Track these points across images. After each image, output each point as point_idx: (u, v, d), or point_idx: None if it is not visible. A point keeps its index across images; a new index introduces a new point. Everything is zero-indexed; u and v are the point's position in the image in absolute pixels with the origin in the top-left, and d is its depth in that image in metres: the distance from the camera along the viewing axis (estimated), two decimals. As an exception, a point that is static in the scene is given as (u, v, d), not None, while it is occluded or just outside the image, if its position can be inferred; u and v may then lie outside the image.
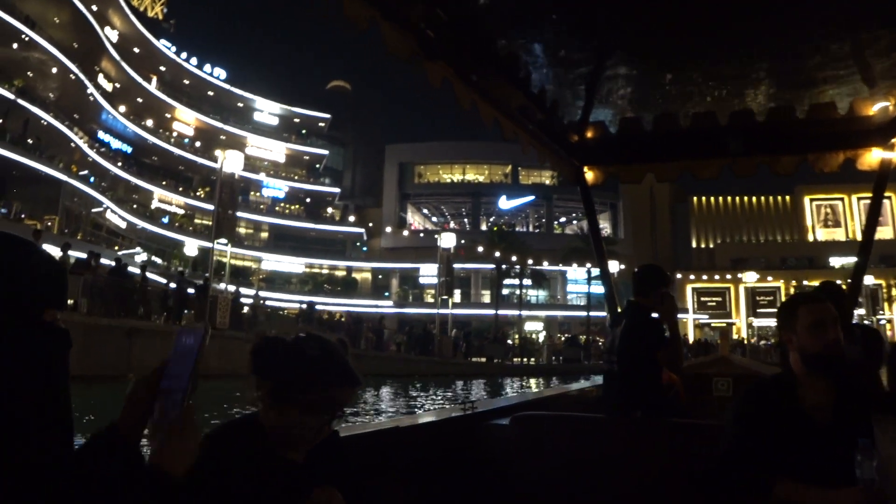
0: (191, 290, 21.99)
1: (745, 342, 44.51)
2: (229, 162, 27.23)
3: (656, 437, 2.83)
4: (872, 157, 3.84)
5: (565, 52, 3.37)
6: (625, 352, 3.33)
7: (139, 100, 48.72)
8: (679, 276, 58.59)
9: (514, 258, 47.17)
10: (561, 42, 3.29)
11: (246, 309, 25.35)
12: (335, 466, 1.54)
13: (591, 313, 48.02)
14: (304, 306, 28.91)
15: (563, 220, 68.26)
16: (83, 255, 18.92)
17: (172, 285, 22.30)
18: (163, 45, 50.18)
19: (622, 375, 3.34)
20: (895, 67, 3.36)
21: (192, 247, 44.18)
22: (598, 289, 49.76)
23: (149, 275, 25.86)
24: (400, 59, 2.45)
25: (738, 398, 2.18)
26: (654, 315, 3.36)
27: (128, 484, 1.06)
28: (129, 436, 1.12)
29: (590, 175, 4.41)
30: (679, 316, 3.72)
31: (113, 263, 20.74)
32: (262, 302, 27.38)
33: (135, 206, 46.50)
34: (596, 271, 48.15)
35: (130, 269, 23.01)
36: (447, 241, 39.58)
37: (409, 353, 30.79)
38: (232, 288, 28.22)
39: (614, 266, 37.18)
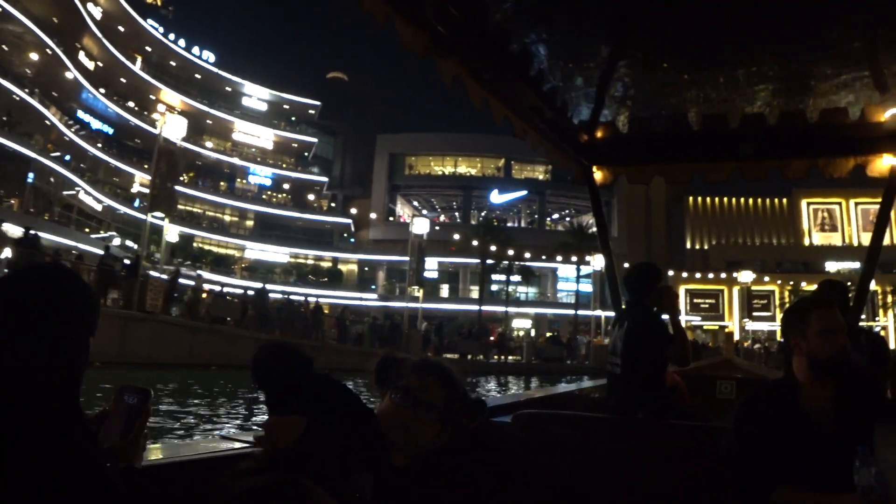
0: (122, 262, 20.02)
1: (739, 345, 43.63)
2: (169, 127, 24.23)
3: (658, 438, 2.83)
4: (883, 164, 3.85)
5: (577, 51, 3.36)
6: (629, 353, 3.35)
7: (122, 80, 47.49)
8: (672, 273, 57.68)
9: (499, 252, 45.90)
10: (573, 41, 3.27)
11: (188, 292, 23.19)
12: None
13: (579, 312, 47.08)
14: (253, 292, 26.41)
15: (555, 216, 67.33)
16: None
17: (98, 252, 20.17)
18: (150, 24, 48.92)
19: (626, 376, 3.37)
20: None
21: (172, 233, 42.81)
22: (587, 287, 49.08)
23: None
24: (416, 56, 2.48)
25: (741, 402, 2.17)
26: (654, 310, 3.41)
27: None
28: None
29: (598, 175, 4.42)
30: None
31: (21, 232, 19.01)
32: (203, 284, 25.31)
33: (116, 189, 45.19)
34: (585, 269, 47.56)
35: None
36: (420, 226, 37.25)
37: (372, 346, 28.34)
38: (171, 268, 26.08)
39: (602, 263, 36.03)
